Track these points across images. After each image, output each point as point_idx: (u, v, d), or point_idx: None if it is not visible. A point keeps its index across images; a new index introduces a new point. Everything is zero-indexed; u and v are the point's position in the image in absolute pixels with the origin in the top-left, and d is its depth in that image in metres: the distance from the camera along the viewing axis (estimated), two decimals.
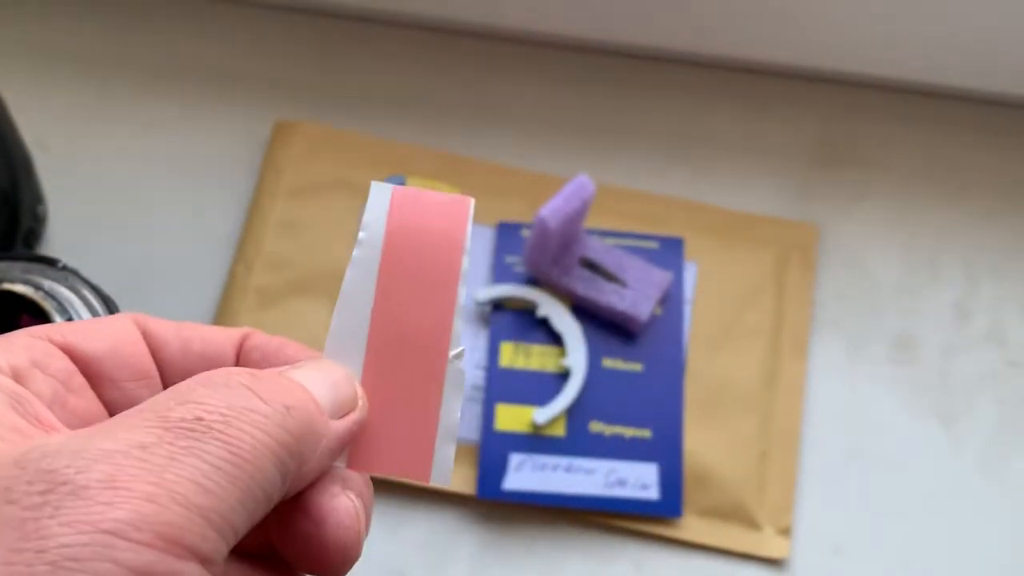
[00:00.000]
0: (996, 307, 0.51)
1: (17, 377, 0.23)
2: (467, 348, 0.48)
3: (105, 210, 0.51)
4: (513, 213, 0.51)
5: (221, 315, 0.49)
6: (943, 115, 0.55)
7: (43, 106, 0.53)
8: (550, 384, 0.48)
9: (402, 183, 0.50)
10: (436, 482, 0.25)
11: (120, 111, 0.54)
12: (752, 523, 0.46)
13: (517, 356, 0.48)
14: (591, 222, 0.50)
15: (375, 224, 0.25)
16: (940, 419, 0.49)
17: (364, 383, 0.25)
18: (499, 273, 0.50)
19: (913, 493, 0.47)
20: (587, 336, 0.48)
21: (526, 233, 0.50)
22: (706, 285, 0.50)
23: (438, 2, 0.54)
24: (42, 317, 0.30)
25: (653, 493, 0.46)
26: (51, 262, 0.32)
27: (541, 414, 0.47)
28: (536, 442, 0.47)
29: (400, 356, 0.25)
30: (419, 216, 0.25)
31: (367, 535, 0.25)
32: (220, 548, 0.21)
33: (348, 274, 0.25)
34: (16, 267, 0.32)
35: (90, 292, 0.32)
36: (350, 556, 0.25)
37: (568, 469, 0.46)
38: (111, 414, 0.25)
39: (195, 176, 0.53)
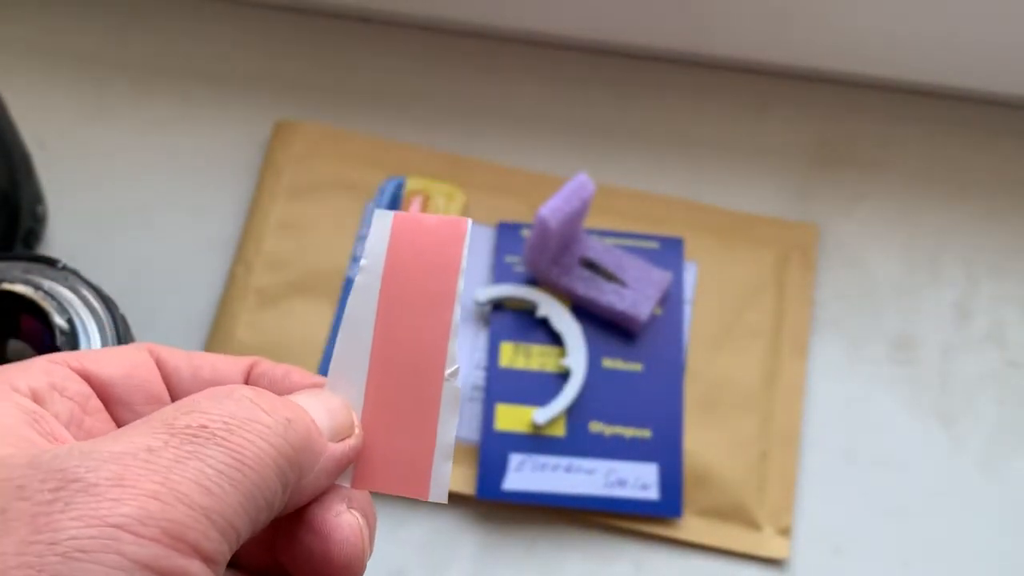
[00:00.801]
0: (996, 307, 0.51)
1: (36, 398, 0.25)
2: (467, 348, 0.48)
3: (105, 210, 0.51)
4: (513, 213, 0.51)
5: (221, 315, 0.49)
6: (943, 115, 0.55)
7: (43, 106, 0.53)
8: (550, 384, 0.48)
9: (402, 184, 0.50)
10: (434, 499, 0.25)
11: (120, 111, 0.54)
12: (752, 523, 0.46)
13: (517, 356, 0.48)
14: (591, 222, 0.50)
15: (376, 251, 0.26)
16: (940, 419, 0.49)
17: (366, 404, 0.26)
18: (499, 273, 0.50)
19: (913, 493, 0.47)
20: (587, 336, 0.48)
21: (526, 233, 0.50)
22: (706, 285, 0.50)
23: (438, 2, 0.54)
24: (42, 317, 0.30)
25: (653, 493, 0.46)
26: (51, 262, 0.32)
27: (541, 414, 0.47)
28: (536, 442, 0.47)
29: (399, 377, 0.26)
30: (418, 240, 0.26)
31: (371, 553, 0.26)
32: (223, 549, 0.22)
33: (350, 300, 0.26)
34: (16, 267, 0.32)
35: (90, 292, 0.32)
36: (354, 572, 0.25)
37: (568, 469, 0.46)
38: None
39: (195, 176, 0.52)
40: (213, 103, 0.54)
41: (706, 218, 0.52)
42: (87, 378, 0.26)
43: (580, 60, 0.56)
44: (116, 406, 0.26)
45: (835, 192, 0.53)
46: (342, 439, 0.26)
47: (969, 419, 0.49)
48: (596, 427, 0.47)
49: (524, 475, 0.46)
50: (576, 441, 0.47)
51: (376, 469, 0.26)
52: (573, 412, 0.47)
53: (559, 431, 0.47)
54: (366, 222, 0.50)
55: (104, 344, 0.31)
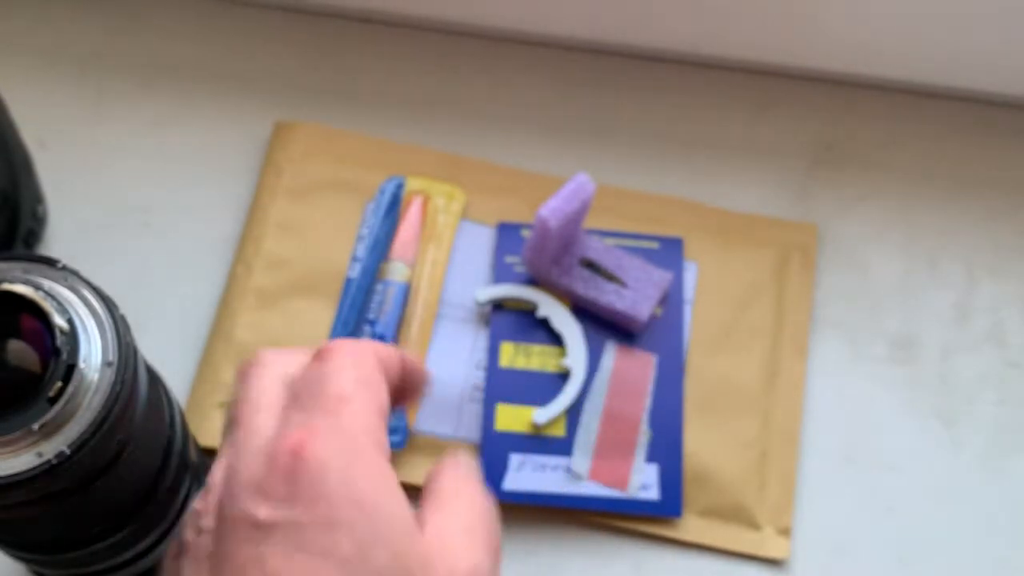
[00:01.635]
0: (996, 307, 0.51)
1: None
2: (467, 348, 0.48)
3: (105, 210, 0.51)
4: (513, 213, 0.51)
5: (221, 315, 0.49)
6: (943, 115, 0.55)
7: (43, 106, 0.53)
8: (550, 384, 0.48)
9: (402, 185, 0.50)
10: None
11: (120, 111, 0.54)
12: (752, 523, 0.46)
13: (517, 356, 0.48)
14: (591, 222, 0.50)
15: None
16: (940, 419, 0.49)
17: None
18: (499, 273, 0.50)
19: (913, 493, 0.47)
20: (587, 336, 0.48)
21: (526, 233, 0.50)
22: (706, 285, 0.50)
23: (439, 3, 0.54)
24: (42, 317, 0.30)
25: (653, 493, 0.46)
26: (51, 262, 0.32)
27: (541, 414, 0.47)
28: (536, 442, 0.47)
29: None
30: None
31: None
32: None
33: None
34: (16, 267, 0.32)
35: (90, 292, 0.32)
36: None
37: (568, 469, 0.46)
38: None
39: (195, 176, 0.52)
40: (213, 103, 0.54)
41: (706, 218, 0.51)
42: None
43: (580, 60, 0.56)
44: None
45: (835, 192, 0.53)
46: None
47: (969, 419, 0.49)
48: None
49: (524, 475, 0.46)
50: (573, 438, 0.47)
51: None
52: (573, 412, 0.47)
53: (559, 431, 0.47)
54: (366, 222, 0.50)
55: (104, 344, 0.31)
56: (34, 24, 0.55)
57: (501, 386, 0.48)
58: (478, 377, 0.48)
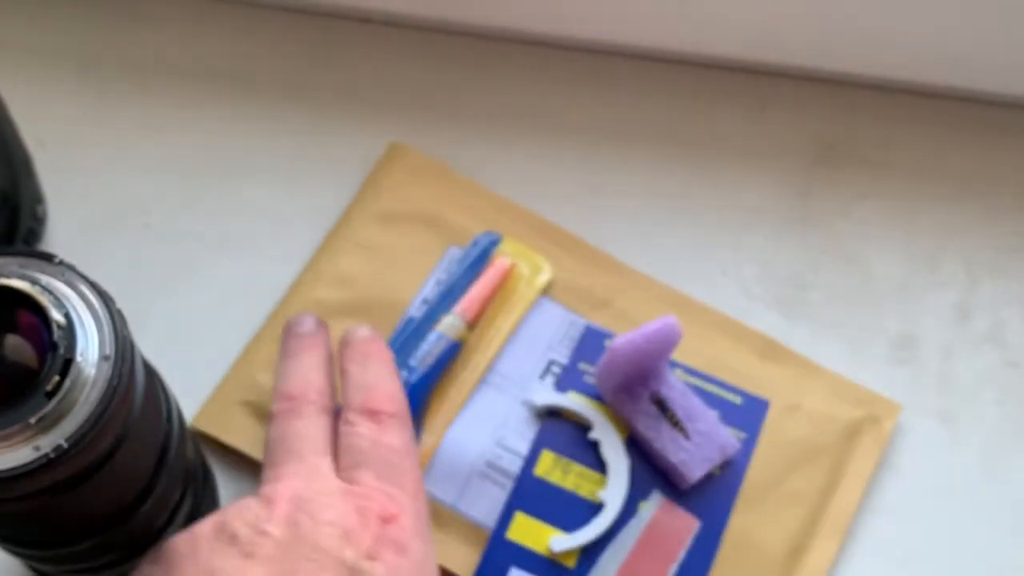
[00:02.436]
0: (996, 307, 0.51)
1: None
2: (497, 422, 0.46)
3: (105, 210, 0.51)
4: (599, 311, 0.49)
5: (274, 318, 0.49)
6: (943, 115, 0.55)
7: (43, 106, 0.53)
8: (579, 510, 0.45)
9: (497, 242, 0.49)
10: None
11: (120, 111, 0.54)
12: None
13: (555, 469, 0.45)
14: (680, 352, 0.47)
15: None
16: (940, 419, 0.49)
17: None
18: (568, 378, 0.47)
19: (913, 493, 0.47)
20: (633, 474, 0.45)
21: (608, 343, 0.47)
22: (768, 431, 0.47)
23: (423, 3, 0.54)
24: (39, 312, 0.30)
25: None
26: (48, 257, 0.32)
27: (559, 542, 0.44)
28: (543, 565, 0.44)
29: None
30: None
31: None
32: None
33: None
34: (13, 262, 0.32)
35: (87, 287, 0.32)
36: None
37: None
38: None
39: (196, 176, 0.53)
40: (214, 104, 0.54)
41: (787, 365, 0.49)
42: None
43: (580, 60, 0.56)
44: None
45: (835, 192, 0.53)
46: None
47: (969, 419, 0.49)
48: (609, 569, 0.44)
49: None
50: None
51: None
52: (593, 549, 0.44)
53: (570, 561, 0.44)
54: (447, 268, 0.49)
55: (101, 338, 0.31)
56: (34, 25, 0.55)
57: (528, 495, 0.45)
58: (495, 454, 0.46)
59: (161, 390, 0.36)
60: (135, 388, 0.32)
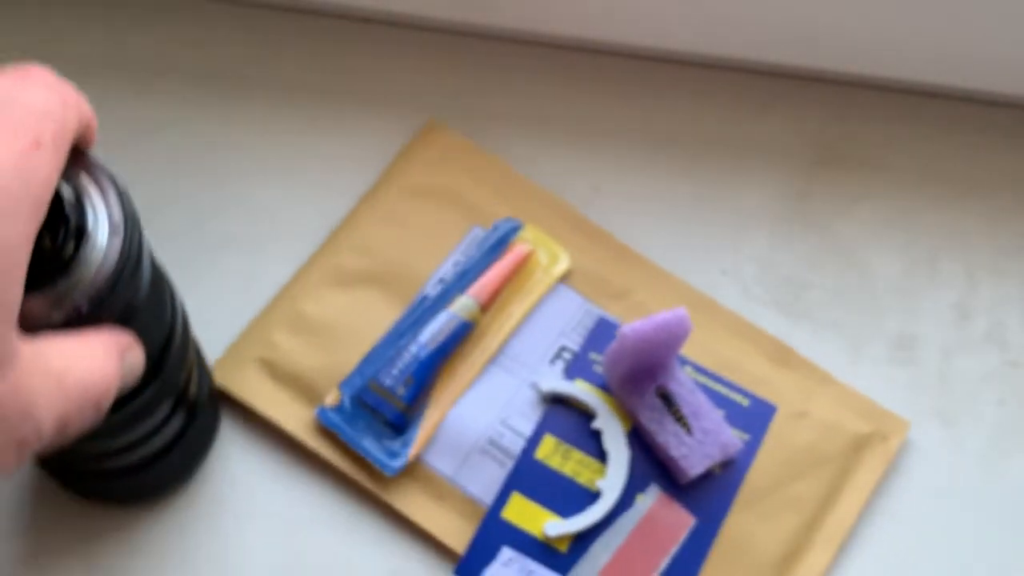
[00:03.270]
0: (996, 307, 0.51)
1: None
2: (503, 402, 0.47)
3: None
4: (615, 301, 0.49)
5: (294, 281, 0.50)
6: (943, 115, 0.55)
7: None
8: (576, 496, 0.45)
9: (518, 229, 0.49)
10: None
11: (120, 112, 0.54)
12: None
13: (555, 455, 0.46)
14: (692, 350, 0.48)
15: None
16: (940, 419, 0.49)
17: None
18: (577, 366, 0.48)
19: (913, 493, 0.47)
20: (633, 466, 0.45)
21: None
22: (772, 436, 0.47)
23: (423, 3, 0.54)
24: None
25: None
26: None
27: (554, 527, 0.44)
28: (535, 548, 0.44)
29: None
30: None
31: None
32: None
33: None
34: None
35: (94, 167, 0.33)
36: None
37: None
38: None
39: (197, 178, 0.53)
40: (214, 104, 0.54)
41: (799, 371, 0.49)
42: None
43: (580, 60, 0.56)
44: None
45: (835, 192, 0.53)
46: None
47: (969, 419, 0.49)
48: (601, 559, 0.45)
49: (508, 574, 0.44)
50: (574, 562, 0.44)
51: None
52: (586, 537, 0.45)
53: (562, 547, 0.45)
54: (466, 250, 0.49)
55: (109, 213, 0.32)
56: (34, 27, 0.55)
57: (526, 476, 0.45)
58: (498, 433, 0.46)
59: (168, 288, 0.39)
60: (143, 265, 0.34)
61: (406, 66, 0.55)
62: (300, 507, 0.47)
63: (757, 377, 0.48)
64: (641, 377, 0.46)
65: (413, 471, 0.46)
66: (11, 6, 0.56)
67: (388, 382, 0.46)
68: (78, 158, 0.33)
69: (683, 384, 0.46)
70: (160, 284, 0.37)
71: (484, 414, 0.47)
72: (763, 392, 0.48)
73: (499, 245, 0.49)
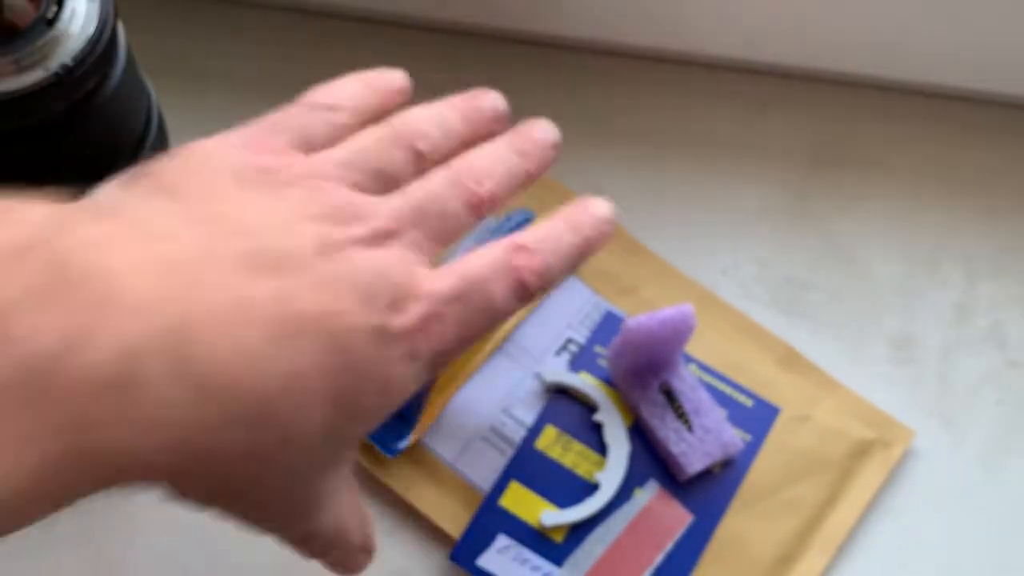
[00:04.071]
0: (996, 307, 0.51)
1: None
2: (506, 391, 0.47)
3: None
4: (625, 297, 0.49)
5: None
6: (943, 115, 0.55)
7: None
8: (574, 488, 0.45)
9: (531, 220, 0.49)
10: None
11: None
12: None
13: (556, 445, 0.46)
14: (697, 348, 0.47)
15: None
16: (940, 419, 0.49)
17: None
18: (582, 358, 0.48)
19: (913, 493, 0.47)
20: (633, 460, 0.45)
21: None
22: (774, 437, 0.47)
23: (423, 4, 0.54)
24: None
25: None
26: None
27: (550, 517, 0.44)
28: (531, 536, 0.44)
29: None
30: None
31: None
32: None
33: None
34: None
35: None
36: None
37: None
38: None
39: None
40: (214, 103, 0.54)
41: (809, 376, 0.48)
42: None
43: (579, 60, 0.56)
44: None
45: (835, 192, 0.53)
46: None
47: (969, 419, 0.49)
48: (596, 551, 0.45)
49: (503, 561, 0.44)
50: (569, 553, 0.44)
51: None
52: (582, 528, 0.45)
53: (557, 536, 0.44)
54: (475, 233, 0.49)
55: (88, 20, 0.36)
56: None
57: (526, 465, 0.45)
58: (500, 421, 0.46)
59: (141, 77, 0.42)
60: (119, 36, 0.39)
61: (412, 66, 0.55)
62: None
63: (762, 378, 0.48)
64: (644, 372, 0.46)
65: (413, 454, 0.46)
66: None
67: None
68: None
69: (686, 381, 0.46)
70: (133, 67, 0.40)
71: (487, 402, 0.47)
72: (767, 394, 0.47)
73: (511, 234, 0.49)
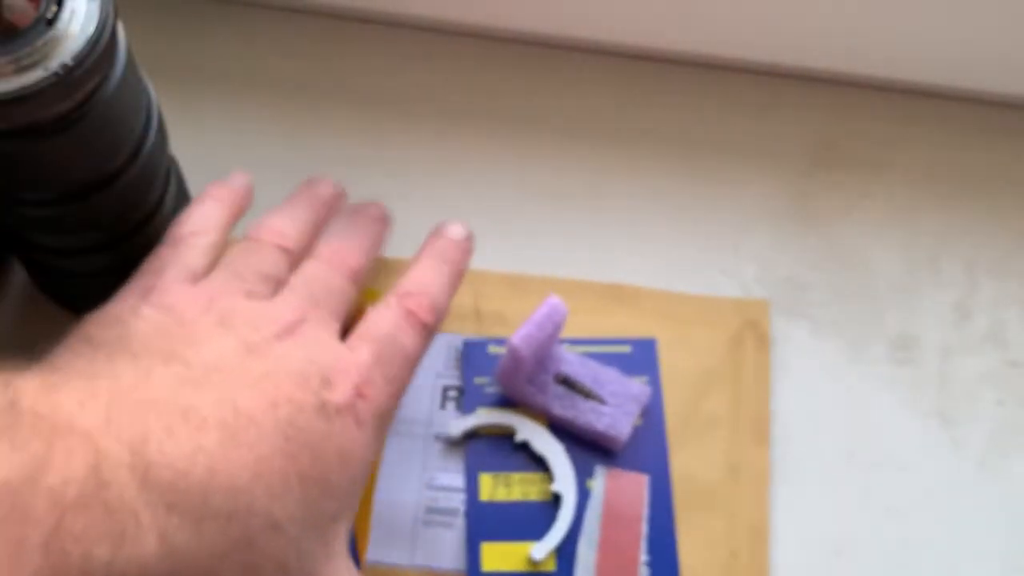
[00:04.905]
0: (996, 307, 0.51)
1: None
2: (418, 467, 0.46)
3: None
4: (465, 322, 0.48)
5: None
6: (943, 115, 0.55)
7: None
8: (538, 514, 0.44)
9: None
10: None
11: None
12: None
13: (497, 488, 0.45)
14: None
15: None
16: (940, 419, 0.49)
17: None
18: (470, 397, 0.46)
19: (913, 493, 0.47)
20: (572, 457, 0.45)
21: (494, 349, 0.47)
22: (664, 376, 0.48)
23: (417, 3, 0.54)
24: None
25: None
26: None
27: (539, 549, 0.43)
28: None
29: None
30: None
31: None
32: None
33: None
34: None
35: None
36: None
37: None
38: None
39: (196, 176, 0.52)
40: (214, 104, 0.54)
41: (657, 305, 0.49)
42: None
43: (580, 61, 0.56)
44: None
45: (835, 192, 0.53)
46: None
47: (969, 419, 0.49)
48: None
49: None
50: (569, 573, 0.44)
51: None
52: (566, 545, 0.44)
53: (549, 566, 0.44)
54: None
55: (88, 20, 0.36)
56: None
57: (484, 522, 0.44)
58: (430, 498, 0.45)
59: (141, 78, 0.42)
60: (118, 38, 0.38)
61: (411, 66, 0.55)
62: None
63: (621, 323, 0.49)
64: (536, 375, 0.46)
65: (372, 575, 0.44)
66: None
67: None
68: None
69: (572, 362, 0.47)
70: (134, 67, 0.40)
71: (407, 487, 0.45)
72: (635, 334, 0.48)
73: None
